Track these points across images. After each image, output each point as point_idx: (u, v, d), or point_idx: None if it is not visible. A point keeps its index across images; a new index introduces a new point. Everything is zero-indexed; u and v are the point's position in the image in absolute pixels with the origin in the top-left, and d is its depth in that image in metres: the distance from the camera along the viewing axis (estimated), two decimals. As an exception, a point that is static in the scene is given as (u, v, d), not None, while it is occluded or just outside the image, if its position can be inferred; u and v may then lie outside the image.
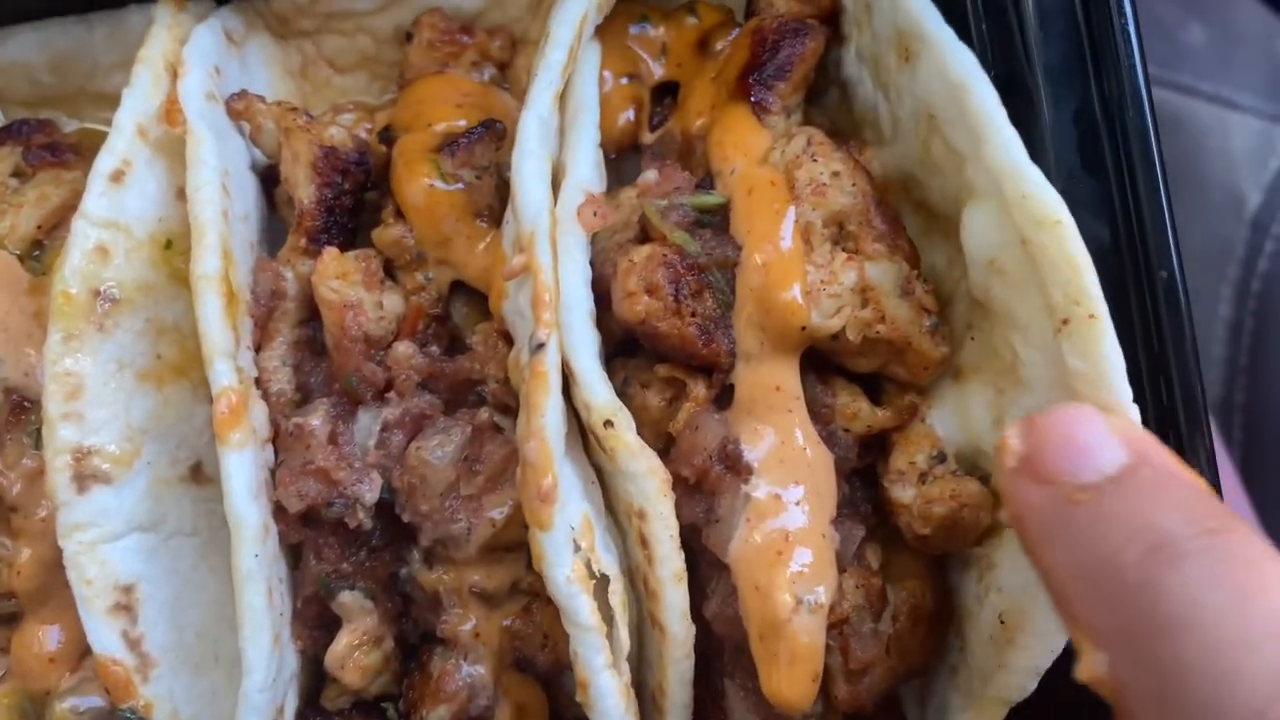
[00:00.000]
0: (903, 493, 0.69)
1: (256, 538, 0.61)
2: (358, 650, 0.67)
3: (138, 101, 0.71)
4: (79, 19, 0.82)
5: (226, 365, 0.62)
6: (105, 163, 0.68)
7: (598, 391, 0.64)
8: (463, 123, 0.77)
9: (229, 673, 0.67)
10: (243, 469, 0.61)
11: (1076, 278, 0.57)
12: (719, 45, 0.80)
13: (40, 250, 0.75)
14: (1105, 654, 0.48)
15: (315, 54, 0.84)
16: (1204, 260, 1.08)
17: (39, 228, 0.74)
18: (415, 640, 0.72)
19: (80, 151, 0.81)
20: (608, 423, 0.64)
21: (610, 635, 0.64)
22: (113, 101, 0.82)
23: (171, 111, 0.70)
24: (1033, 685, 0.67)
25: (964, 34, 0.67)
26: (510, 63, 0.84)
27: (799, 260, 0.67)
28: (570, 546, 0.62)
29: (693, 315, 0.67)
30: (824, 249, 0.68)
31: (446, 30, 0.81)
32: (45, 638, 0.67)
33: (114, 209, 0.68)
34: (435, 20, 0.81)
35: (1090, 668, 0.49)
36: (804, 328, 0.66)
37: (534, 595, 0.70)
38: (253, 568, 0.61)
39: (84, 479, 0.64)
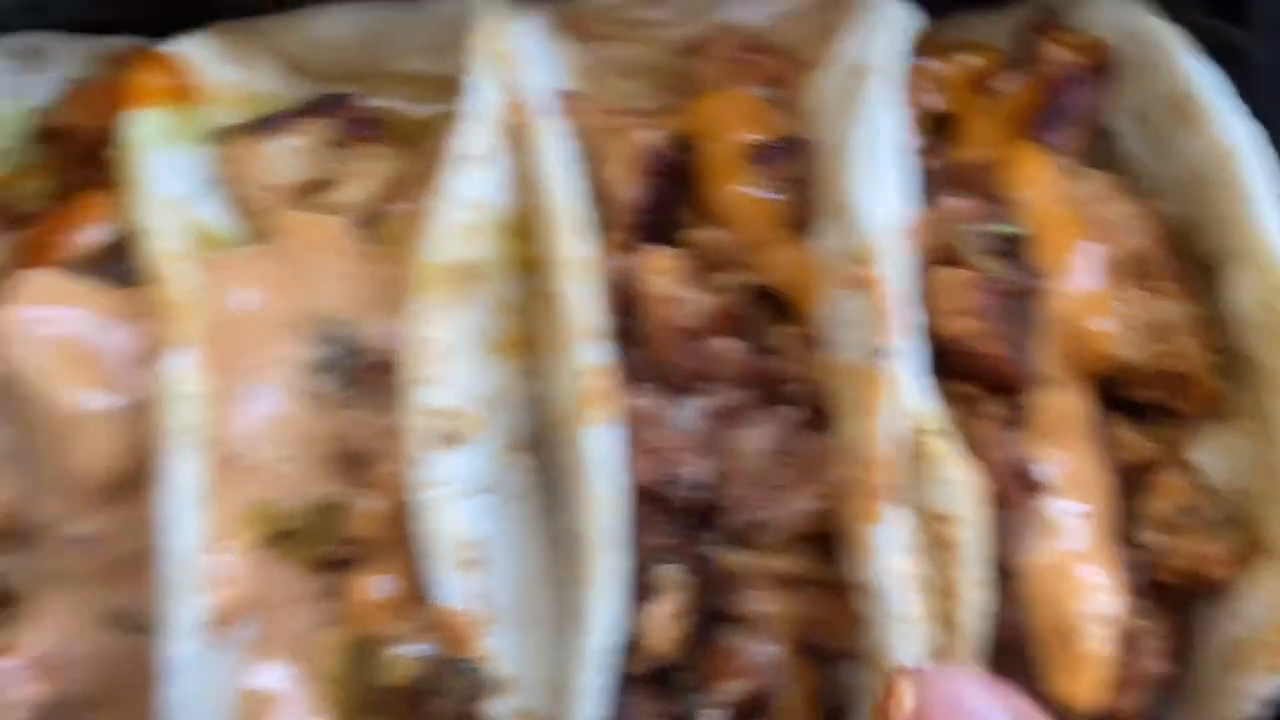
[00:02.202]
0: (1152, 537, 0.75)
1: (614, 507, 0.66)
2: (672, 621, 0.72)
3: (486, 91, 0.75)
4: (398, 4, 0.87)
5: (592, 346, 0.67)
6: (463, 145, 0.72)
7: (925, 401, 0.69)
8: (760, 137, 0.82)
9: (551, 631, 0.71)
10: (603, 444, 0.66)
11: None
12: (997, 85, 0.85)
13: (372, 221, 0.79)
14: None
15: (606, 57, 0.89)
16: None
17: (372, 200, 0.78)
18: (703, 618, 0.76)
19: (381, 128, 0.86)
20: (933, 433, 0.69)
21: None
22: (408, 82, 0.88)
23: (517, 104, 0.74)
24: (1254, 711, 0.73)
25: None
26: (791, 83, 0.88)
27: (1107, 294, 0.72)
28: (892, 541, 0.67)
29: (1001, 339, 0.72)
30: (1123, 285, 0.74)
31: (738, 47, 0.86)
32: (381, 585, 0.71)
33: (470, 190, 0.72)
34: (729, 37, 0.86)
35: None
36: (1108, 356, 0.72)
37: (827, 585, 0.74)
38: (608, 533, 0.66)
39: (439, 440, 0.69)
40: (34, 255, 0.72)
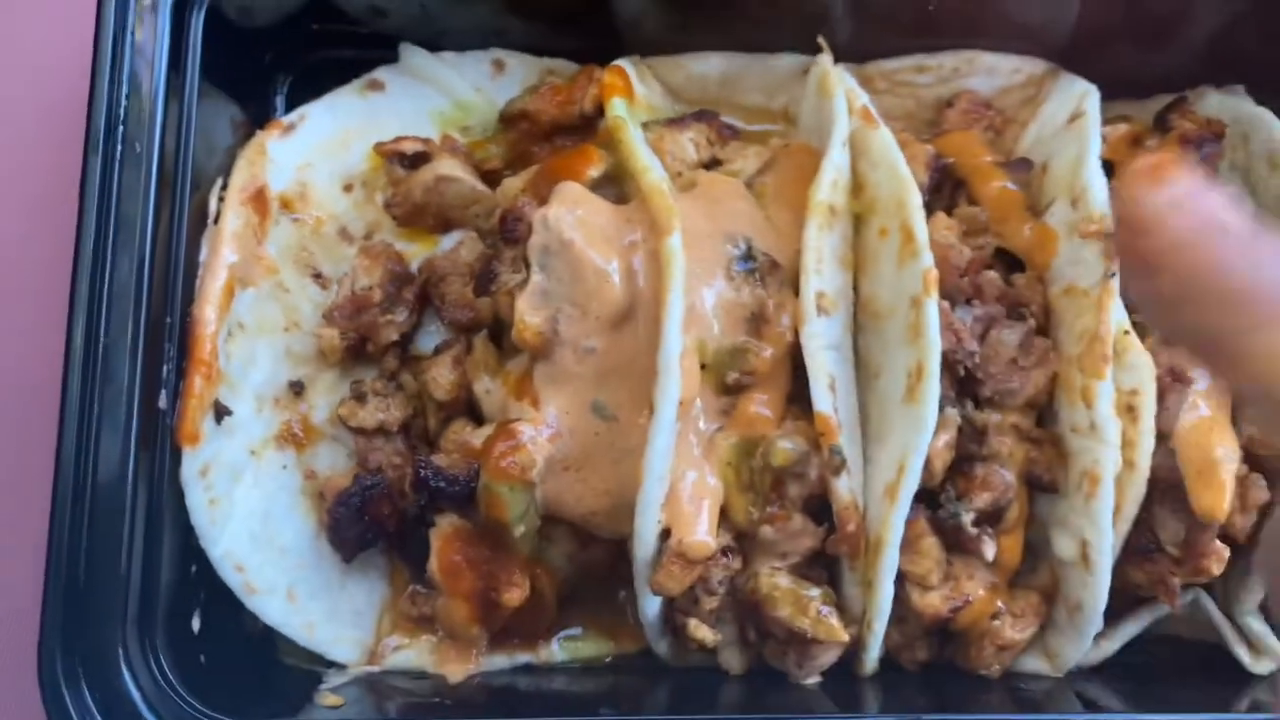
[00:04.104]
0: (1248, 429, 1.14)
1: (937, 350, 1.05)
2: (945, 449, 1.10)
3: (842, 106, 1.17)
4: (749, 55, 1.30)
5: (927, 254, 1.07)
6: (840, 133, 1.14)
7: (1121, 310, 1.10)
8: (990, 159, 1.25)
9: (873, 451, 1.10)
10: (932, 312, 1.06)
11: None
12: (1146, 143, 1.29)
13: (750, 185, 1.20)
14: None
15: (877, 105, 1.32)
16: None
17: (757, 172, 1.20)
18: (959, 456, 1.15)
19: (738, 134, 1.29)
20: (1126, 331, 1.10)
21: (1110, 456, 1.08)
22: (743, 110, 1.30)
23: (867, 115, 1.17)
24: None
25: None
26: (1002, 132, 1.32)
27: None
28: (1108, 394, 1.07)
29: (1165, 284, 1.14)
30: None
31: (973, 103, 1.30)
32: (764, 402, 1.09)
33: (840, 161, 1.14)
34: (970, 96, 1.30)
35: None
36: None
37: (1043, 439, 1.13)
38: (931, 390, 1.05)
39: (819, 309, 1.09)
40: (561, 176, 1.12)
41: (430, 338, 1.21)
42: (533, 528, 1.07)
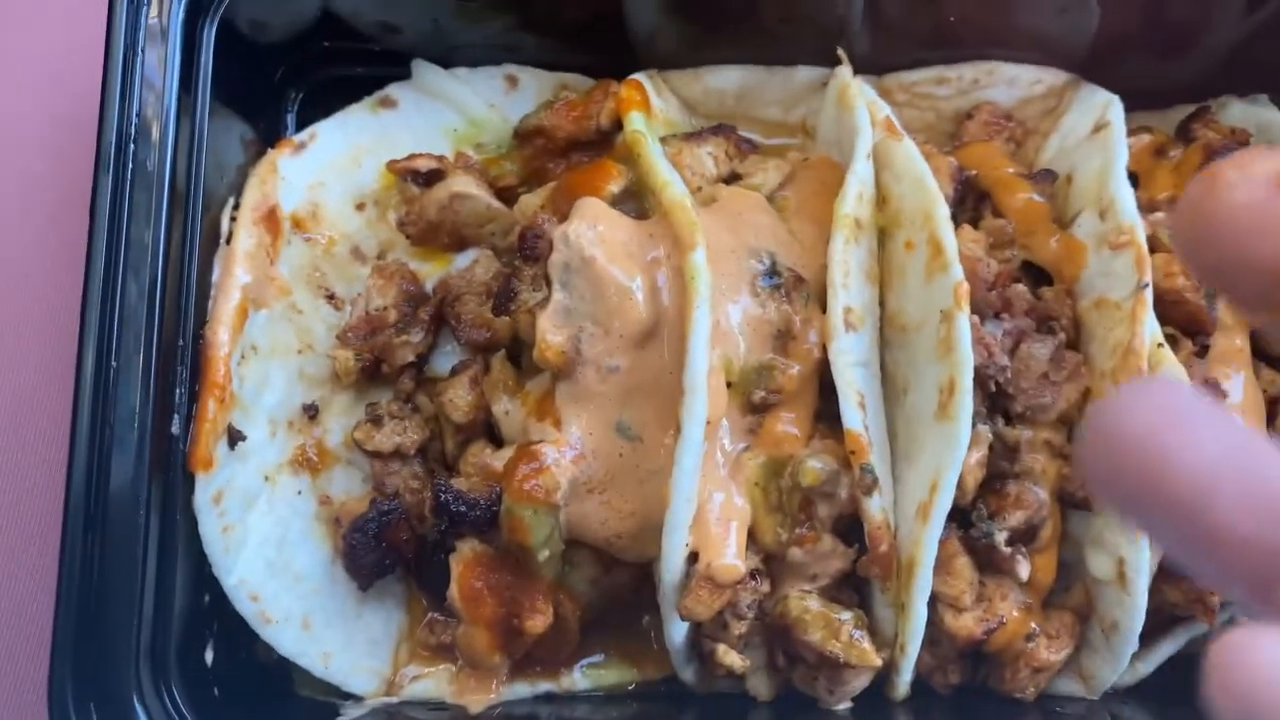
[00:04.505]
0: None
1: (969, 365, 1.03)
2: (977, 466, 1.08)
3: (866, 118, 1.15)
4: (767, 68, 1.28)
5: (957, 267, 1.05)
6: (864, 145, 1.12)
7: (1154, 322, 1.08)
8: (1013, 170, 1.23)
9: (897, 465, 1.07)
10: (964, 326, 1.04)
11: None
12: (1170, 153, 1.27)
13: (771, 199, 1.18)
14: None
15: (899, 116, 1.30)
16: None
17: (779, 186, 1.18)
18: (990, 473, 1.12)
19: (756, 147, 1.26)
20: (1160, 344, 1.08)
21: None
22: (761, 124, 1.28)
23: (891, 127, 1.15)
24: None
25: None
26: (1023, 143, 1.31)
27: (1263, 273, 1.13)
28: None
29: (1199, 295, 1.12)
30: (1271, 272, 1.14)
31: (993, 115, 1.28)
32: (790, 421, 1.07)
33: (865, 174, 1.12)
34: (990, 108, 1.28)
35: None
36: (1266, 312, 1.11)
37: (1073, 457, 1.11)
38: (965, 405, 1.02)
39: (847, 325, 1.06)
40: (580, 191, 1.10)
41: (446, 358, 1.18)
42: (557, 552, 1.04)
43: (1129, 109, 1.30)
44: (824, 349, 1.07)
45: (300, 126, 1.25)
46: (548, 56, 1.29)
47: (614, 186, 1.11)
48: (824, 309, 1.09)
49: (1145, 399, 0.37)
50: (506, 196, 1.24)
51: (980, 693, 1.15)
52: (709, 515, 1.04)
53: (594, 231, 1.05)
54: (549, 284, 1.05)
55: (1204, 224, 0.37)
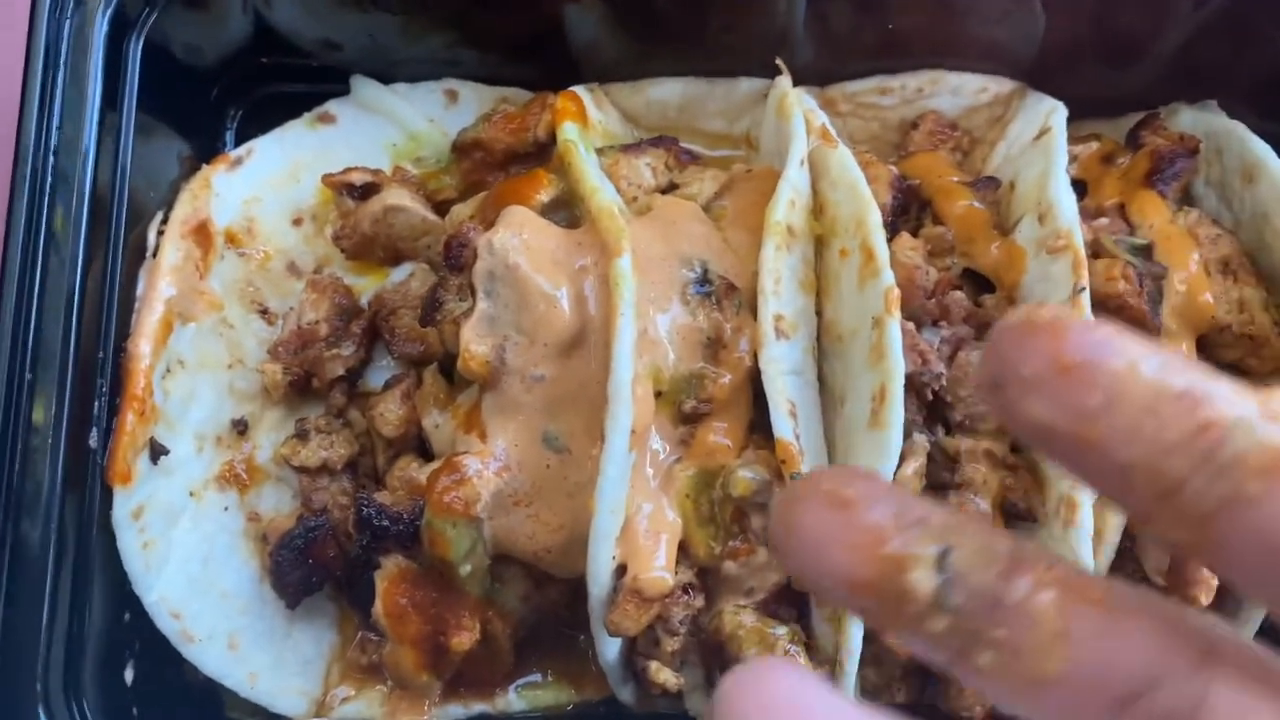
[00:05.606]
0: None
1: (900, 373, 1.01)
2: (914, 478, 1.05)
3: (801, 126, 1.14)
4: (709, 80, 1.27)
5: (888, 272, 1.03)
6: (798, 153, 1.10)
7: (1095, 330, 1.06)
8: (957, 179, 1.21)
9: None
10: (894, 333, 1.01)
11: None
12: (1118, 160, 1.25)
13: (707, 209, 1.16)
14: None
15: (841, 128, 1.29)
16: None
17: (705, 197, 1.16)
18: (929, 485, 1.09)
19: (696, 159, 1.25)
20: (1100, 349, 1.05)
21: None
22: (704, 136, 1.27)
23: (826, 134, 1.14)
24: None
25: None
26: (970, 152, 1.29)
27: (1206, 279, 1.10)
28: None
29: (1140, 300, 1.09)
30: (1217, 275, 1.11)
31: (938, 124, 1.27)
32: (721, 431, 1.04)
33: (798, 181, 1.10)
34: (935, 117, 1.27)
35: None
36: (1211, 318, 1.09)
37: (1018, 465, 1.08)
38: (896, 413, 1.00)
39: (778, 333, 1.04)
40: (509, 200, 1.09)
41: (382, 373, 1.17)
42: (481, 567, 1.02)
43: (1081, 116, 1.29)
44: (755, 357, 1.05)
45: (240, 142, 1.25)
46: (489, 71, 1.29)
47: (544, 195, 1.10)
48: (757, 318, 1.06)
49: (741, 692, 0.38)
50: (446, 210, 1.23)
51: (929, 712, 1.11)
52: (637, 527, 1.02)
53: (518, 239, 1.03)
54: (474, 293, 1.04)
55: (786, 536, 0.40)
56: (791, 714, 0.37)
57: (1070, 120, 1.25)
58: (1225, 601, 1.08)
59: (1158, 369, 0.37)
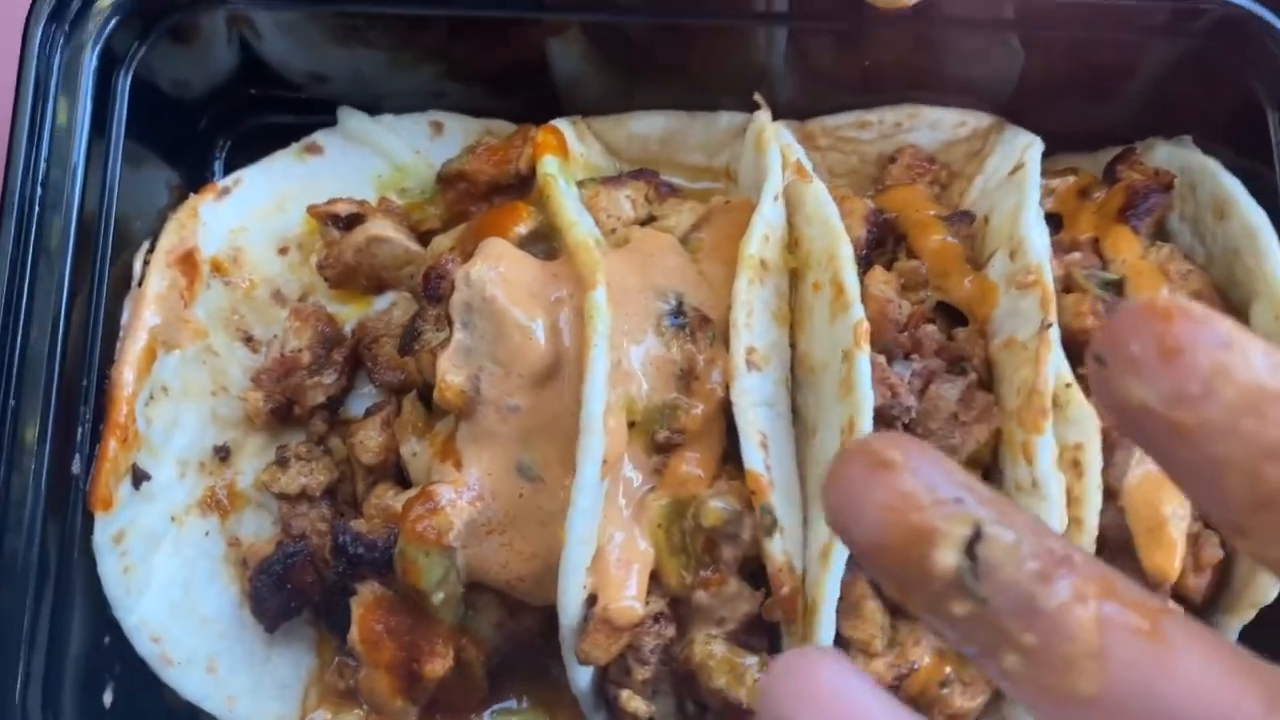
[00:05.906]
0: None
1: (869, 405, 1.02)
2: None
3: (777, 160, 1.16)
4: (690, 114, 1.29)
5: (858, 306, 1.05)
6: (772, 187, 1.12)
7: (1062, 364, 1.07)
8: (933, 212, 1.23)
9: (803, 509, 1.06)
10: (864, 365, 1.03)
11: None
12: (1094, 194, 1.27)
13: (685, 241, 1.18)
14: None
15: (820, 162, 1.31)
16: None
17: (683, 230, 1.18)
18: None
19: (677, 191, 1.27)
20: (1069, 384, 1.06)
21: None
22: (685, 169, 1.29)
23: (801, 170, 1.16)
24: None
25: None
26: (949, 185, 1.31)
27: (1177, 313, 1.12)
28: (1049, 447, 1.03)
29: (1110, 335, 1.11)
30: (1187, 312, 1.13)
31: (916, 158, 1.29)
32: (694, 461, 1.06)
33: (771, 216, 1.12)
34: (913, 151, 1.29)
35: None
36: (1180, 352, 1.10)
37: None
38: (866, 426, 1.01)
39: (749, 365, 1.06)
40: (488, 232, 1.11)
41: (363, 401, 1.19)
42: (454, 595, 1.03)
43: (1058, 150, 1.31)
44: (728, 389, 1.06)
45: (228, 172, 1.27)
46: (474, 103, 1.31)
47: (522, 228, 1.12)
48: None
49: (785, 682, 0.37)
50: (430, 241, 1.24)
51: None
52: (609, 557, 1.03)
53: (495, 271, 1.05)
54: (451, 324, 1.05)
55: (827, 491, 0.39)
56: (835, 710, 0.36)
57: (1049, 154, 1.26)
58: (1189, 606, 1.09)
59: (1270, 368, 0.35)
